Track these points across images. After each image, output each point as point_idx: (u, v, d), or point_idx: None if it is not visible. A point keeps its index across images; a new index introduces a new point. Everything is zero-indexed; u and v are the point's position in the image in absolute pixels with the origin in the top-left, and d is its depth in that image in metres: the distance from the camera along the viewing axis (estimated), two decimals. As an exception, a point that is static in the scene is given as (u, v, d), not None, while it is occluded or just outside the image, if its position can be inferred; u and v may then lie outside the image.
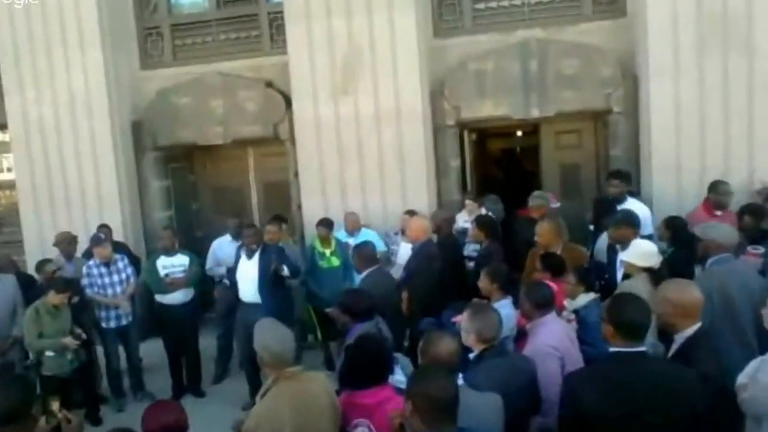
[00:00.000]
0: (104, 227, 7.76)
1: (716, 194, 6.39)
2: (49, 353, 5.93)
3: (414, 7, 7.75)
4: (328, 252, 7.05)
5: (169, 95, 8.80)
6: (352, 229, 7.39)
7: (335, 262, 7.04)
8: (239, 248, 6.46)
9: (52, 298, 5.96)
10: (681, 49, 7.05)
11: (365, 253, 5.59)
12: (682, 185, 7.11)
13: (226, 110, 8.56)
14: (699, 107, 7.06)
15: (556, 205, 7.30)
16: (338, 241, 7.18)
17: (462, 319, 3.65)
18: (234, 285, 6.42)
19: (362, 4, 7.78)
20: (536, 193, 6.99)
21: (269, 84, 8.50)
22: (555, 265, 4.92)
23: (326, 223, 7.16)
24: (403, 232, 6.93)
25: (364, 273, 5.46)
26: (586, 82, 7.60)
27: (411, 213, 7.11)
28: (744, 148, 7.04)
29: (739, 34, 6.94)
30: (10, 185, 9.76)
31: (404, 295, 5.51)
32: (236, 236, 7.17)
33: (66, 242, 7.37)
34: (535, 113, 7.77)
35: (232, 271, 6.51)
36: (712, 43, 6.98)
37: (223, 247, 7.40)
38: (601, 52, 7.64)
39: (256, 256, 6.23)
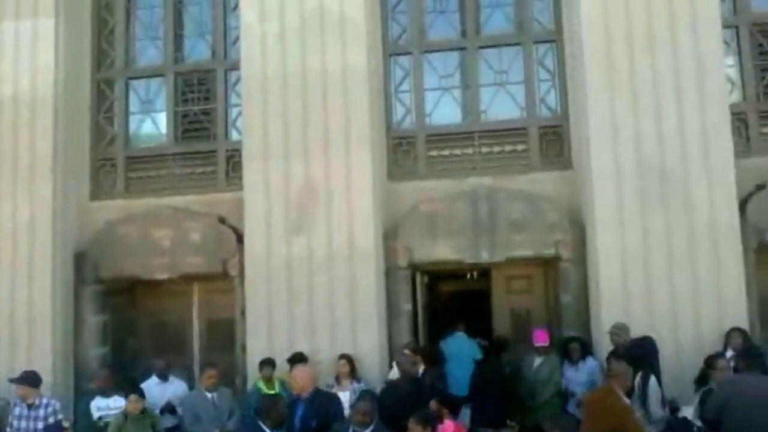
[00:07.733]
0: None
1: None
2: None
3: (370, 152, 7.96)
4: (272, 393, 6.65)
5: (115, 227, 8.60)
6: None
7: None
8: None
9: None
10: (625, 201, 7.35)
11: None
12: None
13: (173, 244, 8.39)
14: (643, 257, 7.25)
15: None
16: (282, 383, 6.87)
17: None
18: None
19: (320, 148, 7.96)
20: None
21: (222, 220, 8.42)
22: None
23: (271, 363, 7.02)
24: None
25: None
26: (534, 228, 7.81)
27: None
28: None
29: (678, 189, 7.30)
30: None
31: None
32: (163, 378, 7.07)
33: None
34: (485, 257, 7.88)
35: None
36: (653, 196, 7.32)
37: (150, 390, 6.84)
38: (549, 201, 7.92)
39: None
